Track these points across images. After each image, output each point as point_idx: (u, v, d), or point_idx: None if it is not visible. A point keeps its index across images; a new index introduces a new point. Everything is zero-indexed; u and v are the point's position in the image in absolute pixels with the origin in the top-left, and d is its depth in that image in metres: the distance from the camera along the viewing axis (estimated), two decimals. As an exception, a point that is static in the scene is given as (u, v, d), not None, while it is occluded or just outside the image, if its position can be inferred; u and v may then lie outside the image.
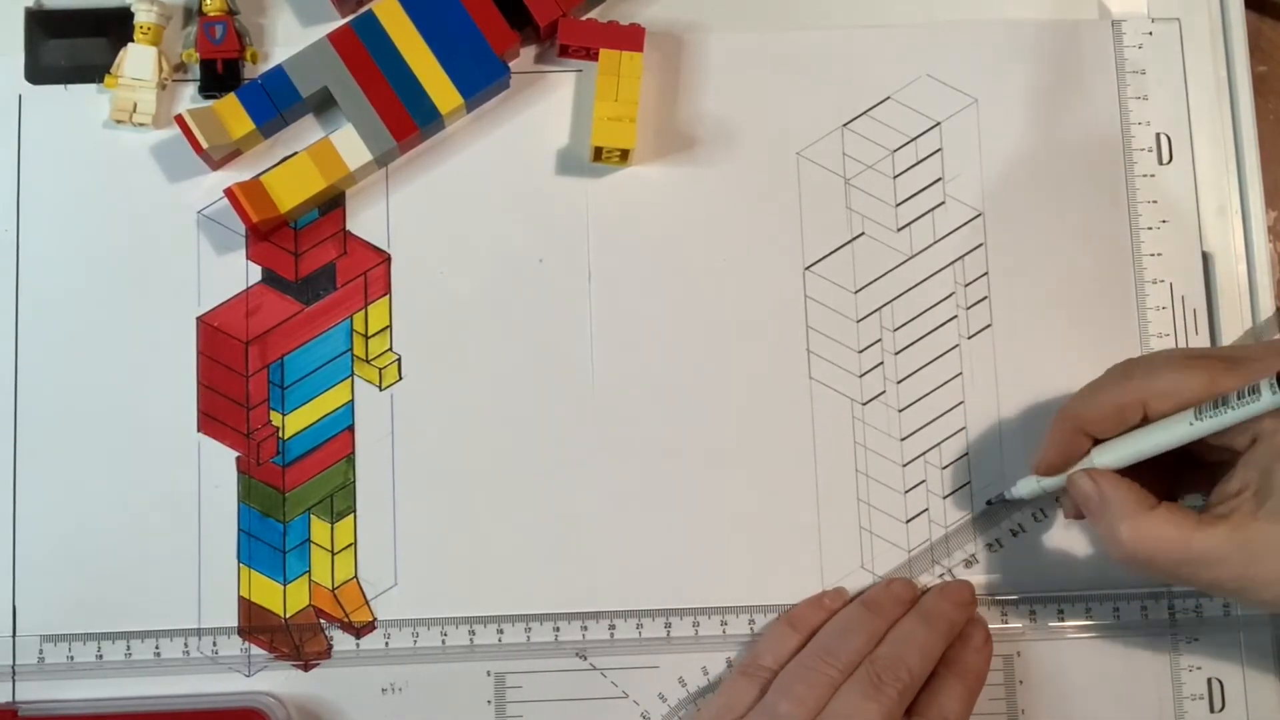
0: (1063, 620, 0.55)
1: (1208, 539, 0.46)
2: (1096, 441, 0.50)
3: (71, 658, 0.54)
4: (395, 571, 0.55)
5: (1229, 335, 0.56)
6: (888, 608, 0.52)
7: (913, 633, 0.51)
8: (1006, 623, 0.55)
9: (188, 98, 0.57)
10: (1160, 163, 0.57)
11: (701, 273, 0.56)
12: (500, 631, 0.54)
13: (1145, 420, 0.48)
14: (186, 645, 0.54)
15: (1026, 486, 0.52)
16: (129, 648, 0.54)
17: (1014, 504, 0.54)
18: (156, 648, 0.54)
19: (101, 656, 0.54)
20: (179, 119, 0.55)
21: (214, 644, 0.54)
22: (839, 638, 0.51)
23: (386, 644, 0.54)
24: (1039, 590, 0.55)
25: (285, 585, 0.55)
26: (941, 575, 0.55)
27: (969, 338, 0.56)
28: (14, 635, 0.54)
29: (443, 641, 0.54)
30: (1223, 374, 0.47)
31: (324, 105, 0.57)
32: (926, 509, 0.55)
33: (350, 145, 0.55)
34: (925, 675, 0.50)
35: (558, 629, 0.54)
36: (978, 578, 0.55)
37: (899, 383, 0.56)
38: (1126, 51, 0.58)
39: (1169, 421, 0.47)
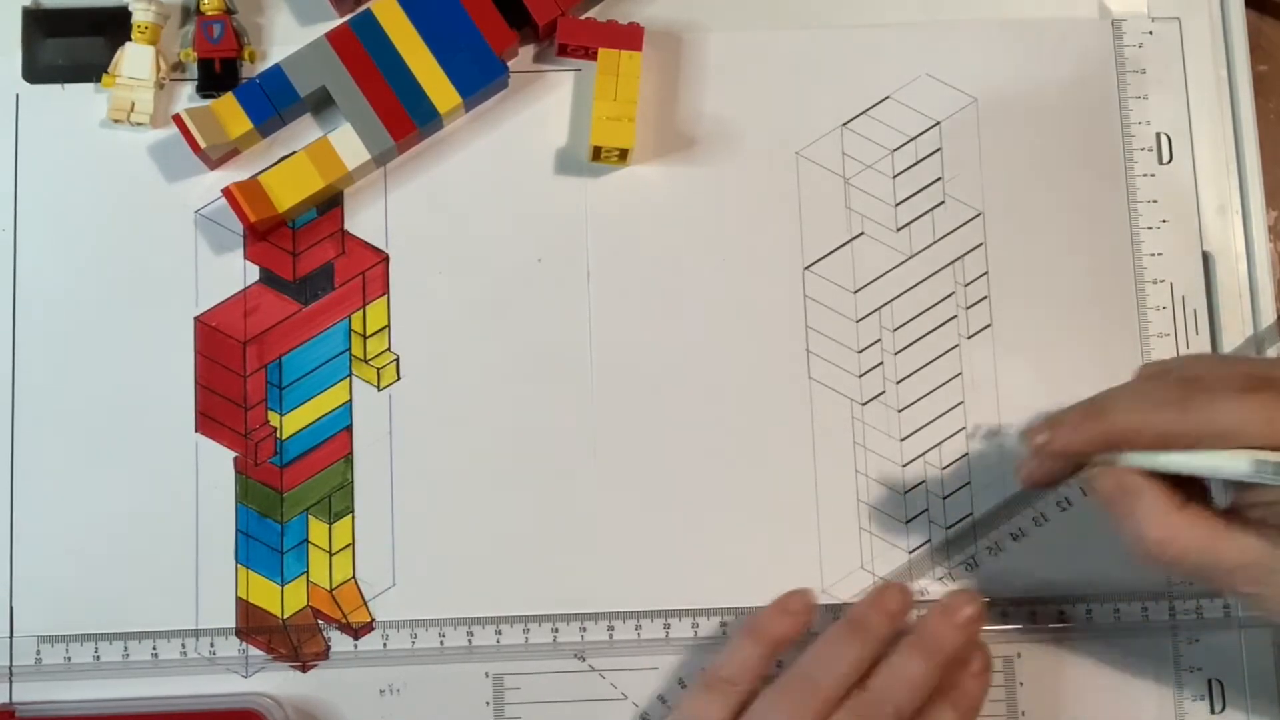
0: (1064, 621, 0.54)
1: (1233, 546, 0.44)
2: None
3: (69, 659, 0.54)
4: (393, 572, 0.55)
5: (1229, 335, 0.56)
6: (876, 627, 0.49)
7: (905, 665, 0.48)
8: (1007, 623, 0.54)
9: (185, 97, 0.57)
10: (1160, 163, 0.57)
11: (701, 272, 0.56)
12: (499, 633, 0.54)
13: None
14: (184, 646, 0.54)
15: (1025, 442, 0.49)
16: (126, 649, 0.54)
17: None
18: (154, 649, 0.54)
19: (99, 657, 0.54)
20: (177, 118, 0.55)
21: (211, 645, 0.54)
22: (821, 665, 0.48)
23: (384, 645, 0.54)
24: (1039, 592, 0.55)
25: (283, 586, 0.55)
26: (941, 578, 0.55)
27: (969, 338, 0.56)
28: (10, 636, 0.54)
29: (441, 643, 0.54)
30: None
31: (322, 105, 0.57)
32: (926, 509, 0.55)
33: (348, 145, 0.55)
34: (915, 710, 0.48)
35: (556, 630, 0.54)
36: (977, 581, 0.55)
37: (899, 383, 0.56)
38: (1126, 51, 0.58)
39: (1224, 457, 0.44)
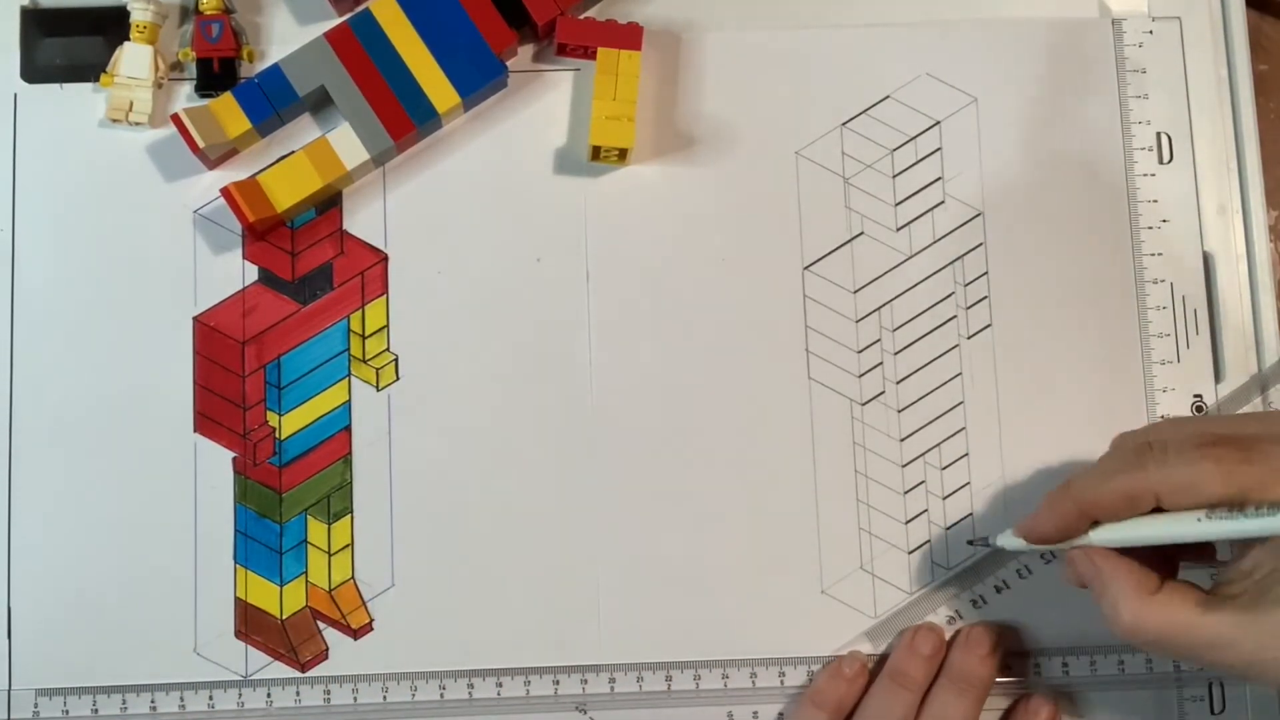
0: (1067, 674, 0.54)
1: (1214, 623, 0.44)
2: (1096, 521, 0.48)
3: (66, 711, 0.53)
4: (392, 573, 0.55)
5: (1229, 335, 0.56)
6: (915, 674, 0.52)
7: (945, 706, 0.52)
8: (1010, 675, 0.54)
9: (184, 97, 0.57)
10: (1160, 162, 0.57)
11: (700, 273, 0.56)
12: (499, 685, 0.54)
13: (1157, 509, 0.46)
14: (183, 699, 0.54)
15: (1012, 542, 0.50)
16: (124, 702, 0.54)
17: (998, 551, 0.53)
18: (152, 701, 0.54)
19: (97, 710, 0.53)
20: (175, 118, 0.55)
21: (210, 698, 0.54)
22: None
23: (384, 697, 0.54)
24: (1046, 628, 0.54)
25: (282, 586, 0.55)
26: (949, 618, 0.55)
27: (969, 338, 0.56)
28: (9, 689, 0.54)
29: (441, 695, 0.54)
30: (1239, 465, 0.44)
31: (321, 104, 0.57)
32: (926, 510, 0.55)
33: (347, 144, 0.55)
34: None
35: (557, 682, 0.54)
36: (985, 617, 0.54)
37: (899, 383, 0.56)
38: (1127, 50, 0.57)
39: (1178, 517, 0.45)
